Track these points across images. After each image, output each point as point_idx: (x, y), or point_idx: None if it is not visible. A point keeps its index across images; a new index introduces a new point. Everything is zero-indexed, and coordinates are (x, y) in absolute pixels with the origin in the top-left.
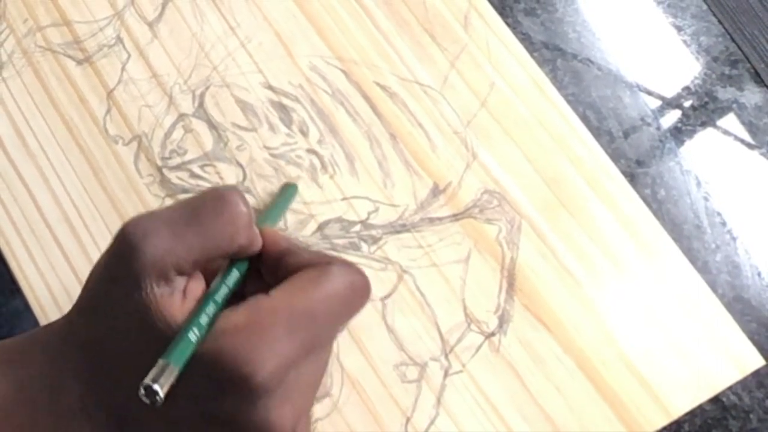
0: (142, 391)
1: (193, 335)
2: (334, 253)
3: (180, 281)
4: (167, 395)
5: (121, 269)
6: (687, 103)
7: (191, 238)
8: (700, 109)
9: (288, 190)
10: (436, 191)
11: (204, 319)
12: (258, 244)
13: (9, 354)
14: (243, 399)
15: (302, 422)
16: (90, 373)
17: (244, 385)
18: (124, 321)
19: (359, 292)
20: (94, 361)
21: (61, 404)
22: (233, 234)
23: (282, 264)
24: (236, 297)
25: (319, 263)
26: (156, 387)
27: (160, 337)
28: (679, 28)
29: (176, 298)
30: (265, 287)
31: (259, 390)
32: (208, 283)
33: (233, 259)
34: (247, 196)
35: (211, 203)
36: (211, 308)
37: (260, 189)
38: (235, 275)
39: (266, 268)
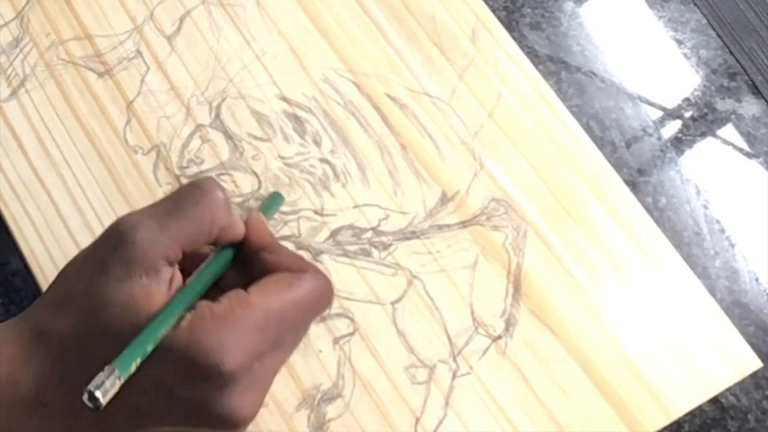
0: (86, 396)
1: (146, 342)
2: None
3: (167, 272)
4: (131, 380)
5: (109, 262)
6: (687, 114)
7: (175, 226)
8: (700, 120)
9: (275, 198)
10: (444, 199)
11: (164, 323)
12: (239, 231)
13: None
14: (210, 385)
15: (257, 412)
16: (52, 363)
17: (214, 371)
18: (108, 311)
19: (324, 298)
20: (60, 351)
21: (15, 395)
22: (213, 218)
23: (260, 257)
24: (220, 289)
25: (294, 268)
26: (98, 394)
27: (143, 325)
28: (679, 42)
29: (163, 289)
30: (249, 280)
31: (226, 377)
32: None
33: (219, 249)
34: (259, 203)
35: (190, 192)
36: (178, 306)
37: None
38: (214, 266)
39: (247, 259)
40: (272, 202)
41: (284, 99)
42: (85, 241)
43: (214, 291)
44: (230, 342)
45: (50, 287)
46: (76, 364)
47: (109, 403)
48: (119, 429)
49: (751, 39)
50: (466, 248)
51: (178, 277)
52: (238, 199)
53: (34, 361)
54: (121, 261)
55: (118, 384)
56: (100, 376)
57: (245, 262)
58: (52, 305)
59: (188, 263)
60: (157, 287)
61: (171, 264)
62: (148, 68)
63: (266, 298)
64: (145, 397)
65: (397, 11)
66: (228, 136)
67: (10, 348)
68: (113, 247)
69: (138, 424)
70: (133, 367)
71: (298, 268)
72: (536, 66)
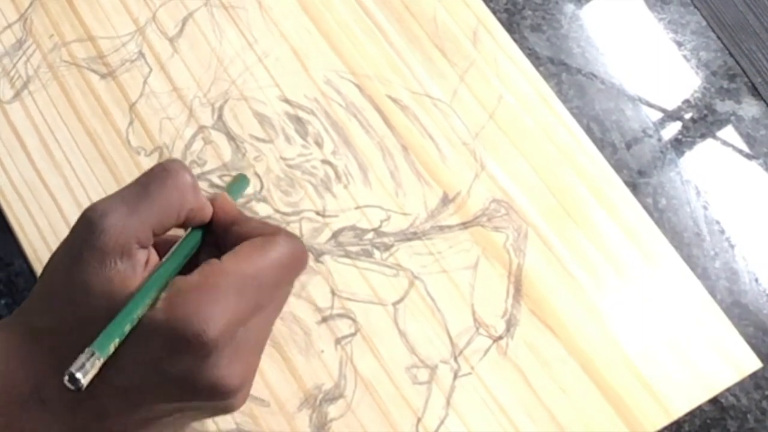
0: (67, 378)
1: (124, 323)
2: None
3: (141, 255)
4: (115, 360)
5: (84, 250)
6: (687, 116)
7: (144, 209)
8: (700, 122)
9: (240, 179)
10: (445, 200)
11: (140, 303)
12: (208, 211)
13: None
14: (195, 355)
15: (249, 381)
16: (45, 360)
17: (197, 341)
18: (88, 300)
19: (299, 259)
20: (51, 347)
21: (12, 391)
22: (181, 199)
23: (231, 232)
24: (191, 268)
25: (266, 232)
26: (79, 375)
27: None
28: (679, 44)
29: (138, 271)
30: (219, 257)
31: (210, 346)
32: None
33: (190, 230)
34: (262, 205)
35: (157, 174)
36: (153, 286)
37: (277, 198)
38: (186, 247)
39: (218, 237)
40: (238, 183)
41: (286, 100)
42: None
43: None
44: (208, 310)
45: (36, 283)
46: (69, 357)
47: (100, 390)
48: (116, 415)
49: (750, 41)
50: (467, 249)
51: (154, 258)
52: (240, 200)
53: (30, 358)
54: (93, 249)
55: (98, 364)
56: (81, 358)
57: (217, 242)
58: (38, 301)
59: (160, 249)
60: (132, 271)
61: (144, 247)
62: (151, 70)
63: (240, 263)
64: (133, 378)
65: (399, 13)
66: (230, 137)
67: (4, 345)
68: (85, 237)
69: (132, 406)
70: (111, 348)
71: (270, 232)
72: (537, 68)
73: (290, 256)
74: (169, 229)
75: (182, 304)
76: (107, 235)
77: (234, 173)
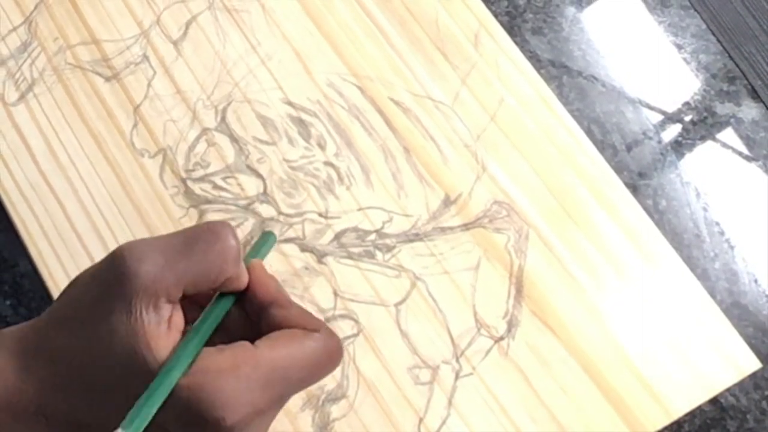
0: None
1: (157, 402)
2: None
3: (167, 309)
4: None
5: (113, 289)
6: (687, 118)
7: (183, 266)
8: (700, 124)
9: (268, 238)
10: (447, 202)
11: (170, 380)
12: (244, 280)
13: None
14: None
15: None
16: (54, 380)
17: (215, 425)
18: (106, 340)
19: (333, 360)
20: (62, 370)
21: (18, 405)
22: (222, 266)
23: (270, 313)
24: (218, 329)
25: (307, 326)
26: None
27: (142, 365)
28: (679, 47)
29: (162, 328)
30: (247, 323)
31: None
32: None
33: (219, 294)
34: (264, 206)
35: (204, 235)
36: (185, 359)
37: (280, 200)
38: (217, 314)
39: (251, 307)
40: (265, 242)
41: (289, 103)
42: (92, 243)
43: (220, 334)
44: (233, 398)
45: (56, 301)
46: (77, 384)
47: None
48: None
49: (750, 44)
50: (468, 250)
51: (178, 315)
52: (244, 202)
53: (37, 374)
54: (123, 291)
55: None
56: None
57: (249, 309)
58: (56, 322)
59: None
60: (156, 325)
61: (171, 302)
62: (155, 72)
63: (274, 355)
64: None
65: (401, 16)
66: (233, 139)
67: (14, 358)
68: (117, 276)
69: None
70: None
71: (313, 326)
72: (538, 70)
73: (326, 356)
74: (200, 291)
75: (208, 384)
76: (139, 282)
77: (237, 175)
